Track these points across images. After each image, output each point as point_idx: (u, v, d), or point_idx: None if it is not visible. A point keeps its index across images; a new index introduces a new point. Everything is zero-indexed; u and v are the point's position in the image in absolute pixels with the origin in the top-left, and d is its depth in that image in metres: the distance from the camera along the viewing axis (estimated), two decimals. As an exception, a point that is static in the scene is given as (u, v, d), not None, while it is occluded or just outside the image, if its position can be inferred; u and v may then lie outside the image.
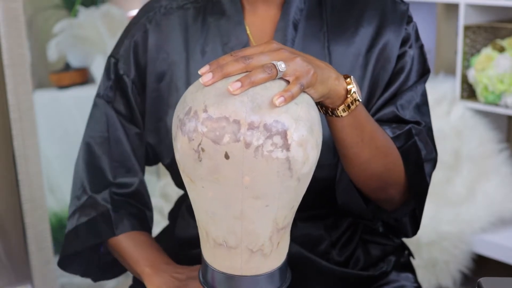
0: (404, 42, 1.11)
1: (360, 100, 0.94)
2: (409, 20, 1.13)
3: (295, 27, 1.10)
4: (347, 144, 1.00)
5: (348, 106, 0.94)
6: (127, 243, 1.14)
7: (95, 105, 1.19)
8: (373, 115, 1.09)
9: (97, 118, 1.18)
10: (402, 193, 1.10)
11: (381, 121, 1.09)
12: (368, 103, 1.10)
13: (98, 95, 1.18)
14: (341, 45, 1.10)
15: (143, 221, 1.19)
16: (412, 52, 1.11)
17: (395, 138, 1.07)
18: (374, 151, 1.02)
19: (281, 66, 0.84)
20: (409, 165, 1.08)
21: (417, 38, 1.14)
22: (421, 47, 1.13)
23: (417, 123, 1.10)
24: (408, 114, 1.10)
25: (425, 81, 1.13)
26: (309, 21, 1.10)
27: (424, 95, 1.13)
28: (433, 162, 1.12)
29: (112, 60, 1.17)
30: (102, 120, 1.17)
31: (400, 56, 1.11)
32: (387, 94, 1.10)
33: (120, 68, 1.15)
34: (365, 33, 1.10)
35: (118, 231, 1.14)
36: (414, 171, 1.08)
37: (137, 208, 1.19)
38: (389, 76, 1.10)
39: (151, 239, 1.18)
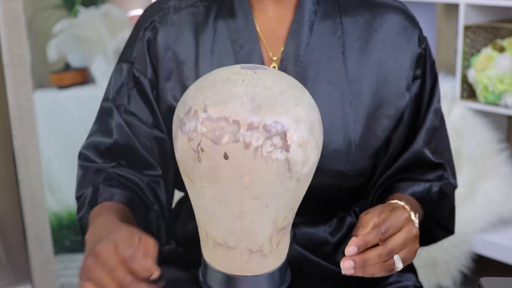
0: (419, 65, 1.12)
1: None
2: (421, 38, 1.13)
3: (310, 28, 1.09)
4: None
5: None
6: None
7: (102, 109, 1.15)
8: (401, 152, 1.14)
9: (103, 122, 1.14)
10: None
11: (408, 167, 1.14)
12: (374, 114, 1.10)
13: (106, 100, 1.14)
14: (355, 52, 1.09)
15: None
16: (427, 73, 1.13)
17: (424, 200, 1.13)
18: None
19: (399, 265, 0.92)
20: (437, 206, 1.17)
21: (430, 56, 1.14)
22: (432, 65, 1.14)
23: (442, 166, 1.16)
24: (434, 151, 1.14)
25: (438, 100, 1.15)
26: (324, 24, 1.10)
27: (439, 112, 1.16)
28: (454, 189, 1.21)
29: (125, 65, 1.14)
30: (109, 125, 1.13)
31: (418, 83, 1.13)
32: (404, 123, 1.12)
33: (136, 71, 1.12)
34: (377, 42, 1.10)
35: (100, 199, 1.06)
36: (442, 208, 1.18)
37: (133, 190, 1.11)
38: (401, 93, 1.11)
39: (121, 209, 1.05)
